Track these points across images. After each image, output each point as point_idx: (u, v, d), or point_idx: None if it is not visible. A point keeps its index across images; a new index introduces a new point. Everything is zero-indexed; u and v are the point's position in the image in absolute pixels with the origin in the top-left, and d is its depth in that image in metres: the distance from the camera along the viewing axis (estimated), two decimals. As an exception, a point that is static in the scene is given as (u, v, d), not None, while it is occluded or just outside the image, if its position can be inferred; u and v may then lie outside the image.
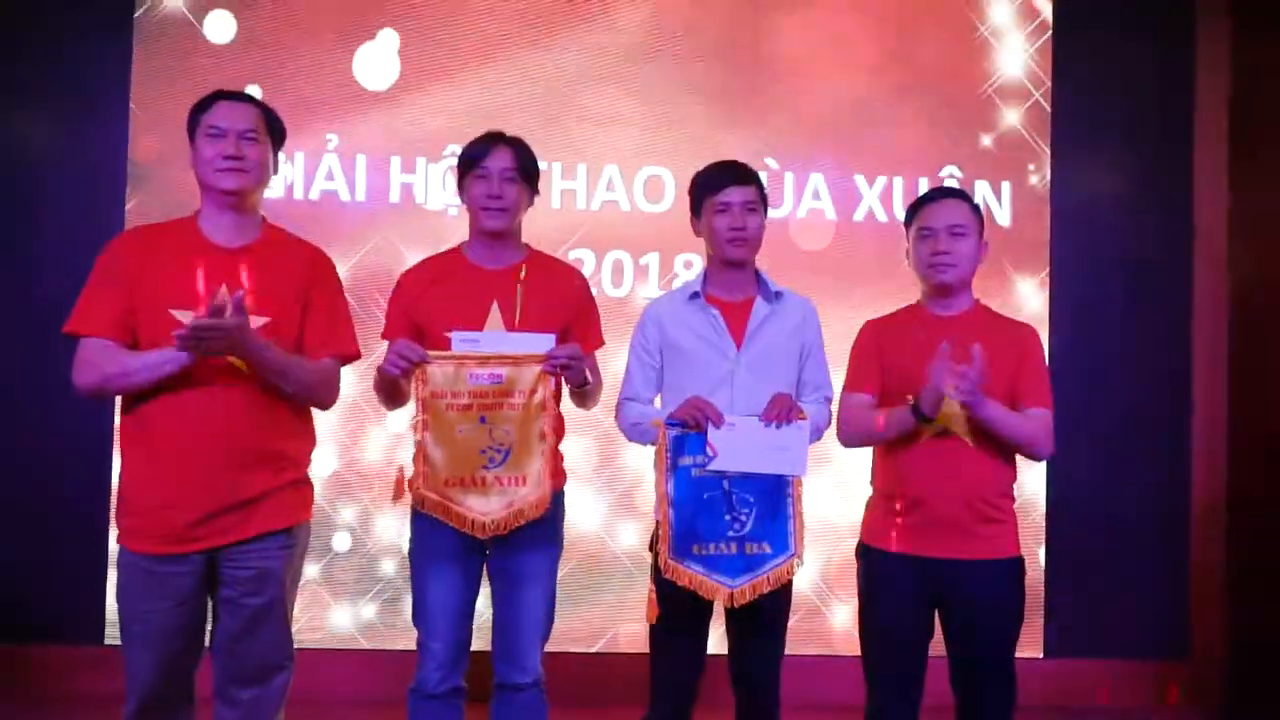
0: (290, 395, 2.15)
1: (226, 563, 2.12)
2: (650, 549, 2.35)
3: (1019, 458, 2.34)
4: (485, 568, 2.35)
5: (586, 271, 3.55)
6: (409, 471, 2.25)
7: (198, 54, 3.58)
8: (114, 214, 3.53)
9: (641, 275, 3.69)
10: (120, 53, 3.58)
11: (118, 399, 2.19)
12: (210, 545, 2.10)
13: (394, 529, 3.52)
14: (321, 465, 3.54)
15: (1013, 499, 2.35)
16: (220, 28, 3.61)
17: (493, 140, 2.37)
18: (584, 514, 3.59)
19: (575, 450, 3.49)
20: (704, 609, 2.31)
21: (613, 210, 3.70)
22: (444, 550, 2.29)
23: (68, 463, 3.53)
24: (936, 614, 2.33)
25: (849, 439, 2.41)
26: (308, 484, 2.27)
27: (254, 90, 3.42)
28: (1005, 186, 3.77)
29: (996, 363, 2.22)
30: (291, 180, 3.61)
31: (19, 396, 3.53)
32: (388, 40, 3.65)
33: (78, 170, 3.62)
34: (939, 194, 2.44)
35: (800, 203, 3.73)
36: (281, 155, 3.48)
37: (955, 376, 2.12)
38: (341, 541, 3.57)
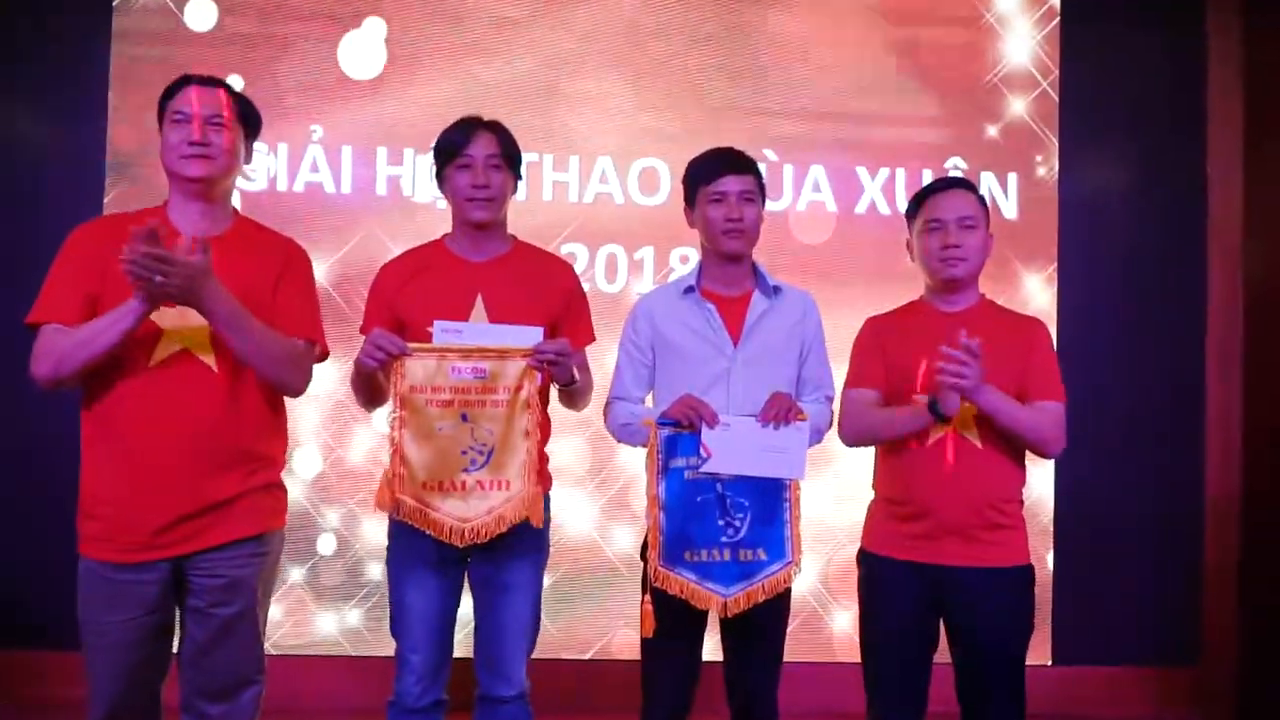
0: (254, 366, 2.00)
1: (194, 571, 2.02)
2: (642, 557, 2.24)
3: (1028, 460, 2.24)
4: (467, 576, 2.25)
5: (579, 266, 3.47)
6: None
7: (178, 43, 3.48)
8: (93, 206, 3.43)
9: (636, 270, 3.58)
10: (99, 41, 3.47)
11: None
12: (177, 553, 1.99)
13: (380, 532, 3.34)
14: (306, 466, 3.45)
15: (1021, 503, 2.25)
16: (201, 15, 3.50)
17: (473, 126, 2.26)
18: (576, 517, 3.49)
19: (567, 451, 3.42)
20: (698, 617, 2.21)
21: (606, 203, 3.59)
22: (423, 558, 2.18)
23: (52, 462, 3.41)
24: (941, 622, 2.22)
25: (852, 438, 2.31)
26: (282, 489, 2.17)
27: (236, 80, 3.33)
28: (1011, 178, 3.66)
29: (1004, 358, 2.13)
30: (275, 172, 3.51)
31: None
32: (374, 28, 3.54)
33: (56, 162, 3.51)
34: (946, 184, 2.34)
35: (800, 195, 3.63)
36: (265, 147, 3.47)
37: (945, 363, 2.02)
38: (326, 545, 3.47)
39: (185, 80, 2.12)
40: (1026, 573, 2.22)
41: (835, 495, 3.43)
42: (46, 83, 3.52)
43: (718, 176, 2.29)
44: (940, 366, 2.04)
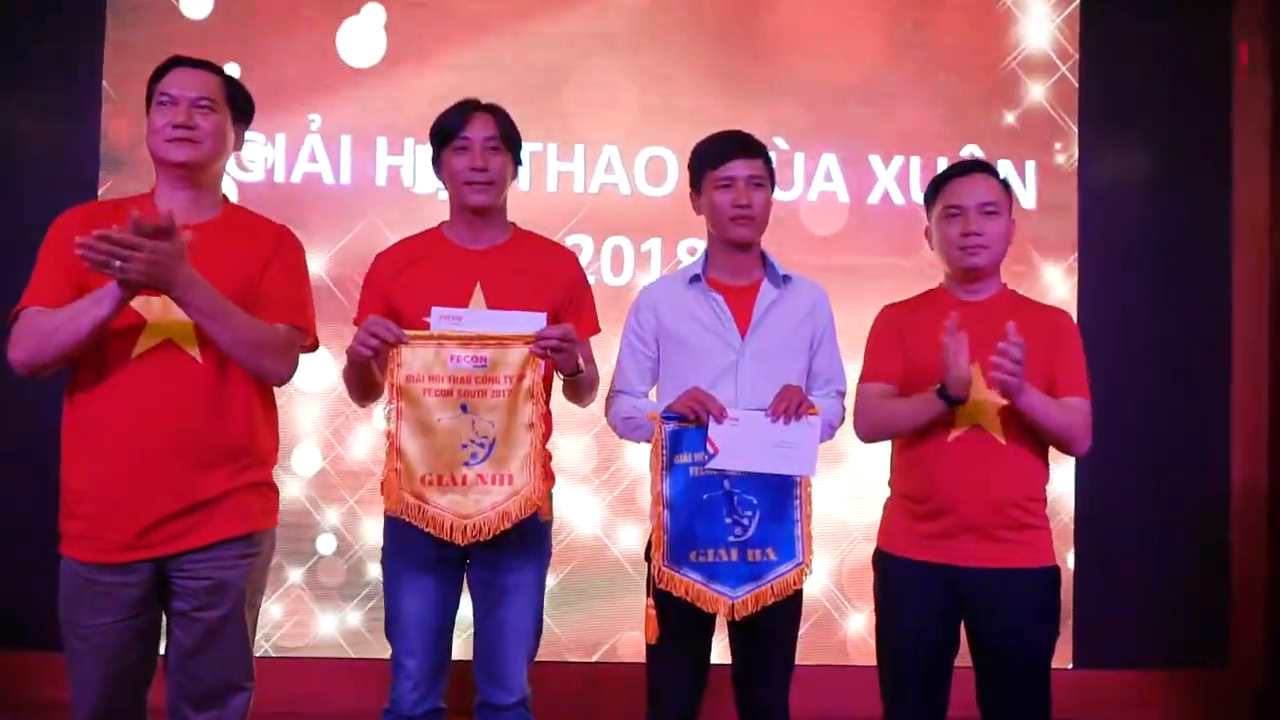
0: (234, 355, 1.91)
1: (178, 572, 1.94)
2: (646, 557, 2.15)
3: (1051, 456, 2.15)
4: (466, 577, 2.16)
5: (584, 258, 3.38)
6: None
7: (174, 31, 3.39)
8: (87, 199, 3.34)
9: (643, 262, 3.49)
10: (93, 30, 3.40)
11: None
12: (160, 553, 1.92)
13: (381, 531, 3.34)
14: (305, 464, 3.37)
15: (1045, 502, 2.16)
16: (197, 3, 3.43)
17: (470, 108, 2.18)
18: (582, 516, 3.40)
19: (574, 448, 3.34)
20: (705, 619, 2.11)
21: (612, 193, 3.50)
22: (420, 558, 2.09)
23: (42, 460, 3.32)
24: (961, 624, 2.13)
25: (868, 432, 2.23)
26: (272, 487, 2.08)
27: (232, 68, 3.25)
28: (1030, 166, 3.56)
29: (1029, 351, 2.03)
30: (273, 162, 3.43)
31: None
32: (373, 15, 3.46)
33: (49, 154, 3.44)
34: (966, 168, 2.25)
35: (811, 184, 3.53)
36: (262, 136, 3.39)
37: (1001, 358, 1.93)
38: (326, 544, 3.39)
39: (174, 62, 2.05)
40: (1052, 574, 2.12)
41: (849, 492, 3.33)
42: (41, 74, 3.45)
43: (725, 160, 2.19)
44: (995, 361, 1.95)
